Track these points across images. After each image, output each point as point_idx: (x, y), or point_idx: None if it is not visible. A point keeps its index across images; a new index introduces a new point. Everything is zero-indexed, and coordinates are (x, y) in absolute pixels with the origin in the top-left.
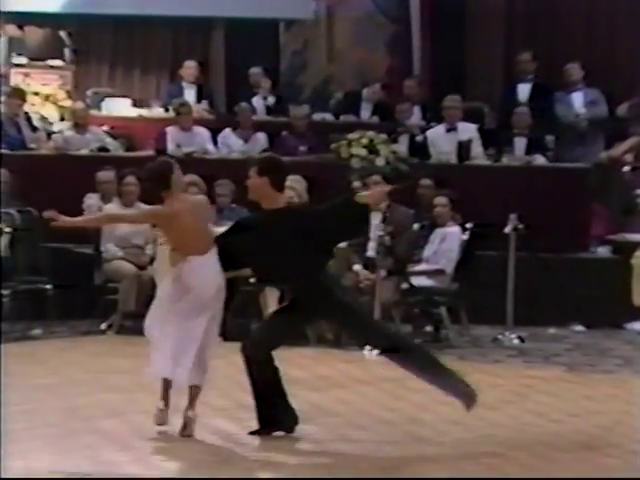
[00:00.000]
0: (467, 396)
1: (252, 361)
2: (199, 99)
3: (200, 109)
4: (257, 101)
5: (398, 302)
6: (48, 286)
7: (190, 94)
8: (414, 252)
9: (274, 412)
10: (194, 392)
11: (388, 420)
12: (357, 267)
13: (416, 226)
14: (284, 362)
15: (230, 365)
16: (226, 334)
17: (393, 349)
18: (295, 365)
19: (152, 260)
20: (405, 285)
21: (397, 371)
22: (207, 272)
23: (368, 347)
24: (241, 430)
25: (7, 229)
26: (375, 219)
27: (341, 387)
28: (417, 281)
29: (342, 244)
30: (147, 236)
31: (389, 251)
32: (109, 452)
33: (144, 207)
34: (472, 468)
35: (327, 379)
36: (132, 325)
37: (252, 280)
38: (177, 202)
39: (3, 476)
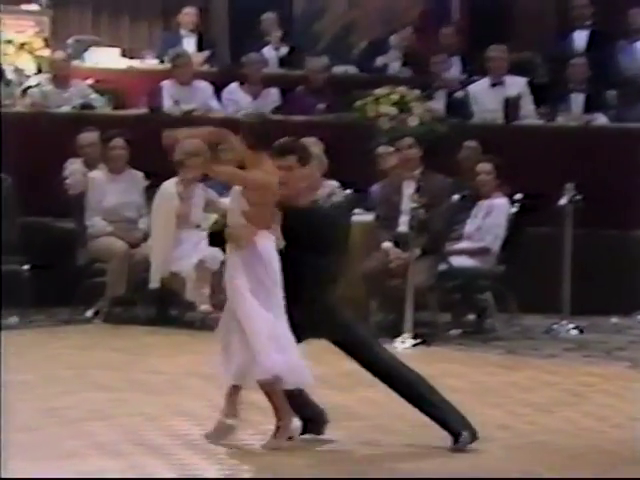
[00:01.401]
0: (469, 429)
1: None
2: (199, 49)
3: (200, 61)
4: (268, 52)
5: (434, 286)
6: (24, 267)
7: (189, 43)
8: (453, 227)
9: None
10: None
11: (423, 424)
12: (386, 245)
13: (456, 197)
14: (306, 357)
15: None
16: None
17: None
18: (317, 360)
19: (146, 236)
20: (443, 266)
21: (435, 367)
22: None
23: (401, 338)
24: (250, 435)
25: None
26: (408, 189)
27: (369, 385)
28: (457, 261)
29: (369, 217)
30: (140, 208)
31: (424, 226)
32: (96, 460)
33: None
34: None
35: (353, 376)
36: (122, 313)
37: None
38: (267, 167)
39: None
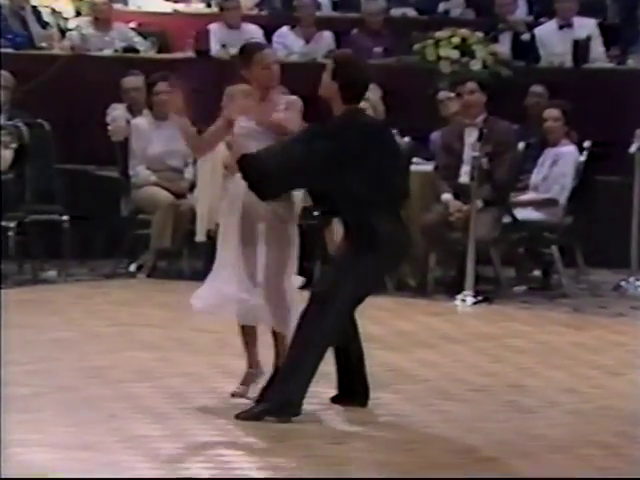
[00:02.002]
0: (281, 406)
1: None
2: None
3: (250, 3)
4: None
5: (498, 239)
6: (63, 217)
7: None
8: (518, 177)
9: (351, 378)
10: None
11: (484, 387)
12: (447, 196)
13: (521, 145)
14: (355, 314)
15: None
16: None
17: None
18: (369, 319)
19: (192, 186)
20: (507, 219)
21: (496, 326)
22: None
23: (462, 295)
24: (311, 405)
25: (12, 145)
26: (470, 136)
27: (426, 346)
28: (522, 214)
29: (428, 167)
30: (185, 156)
31: (487, 176)
32: (138, 424)
33: None
34: (592, 454)
35: (408, 336)
36: (167, 267)
37: (316, 213)
38: None
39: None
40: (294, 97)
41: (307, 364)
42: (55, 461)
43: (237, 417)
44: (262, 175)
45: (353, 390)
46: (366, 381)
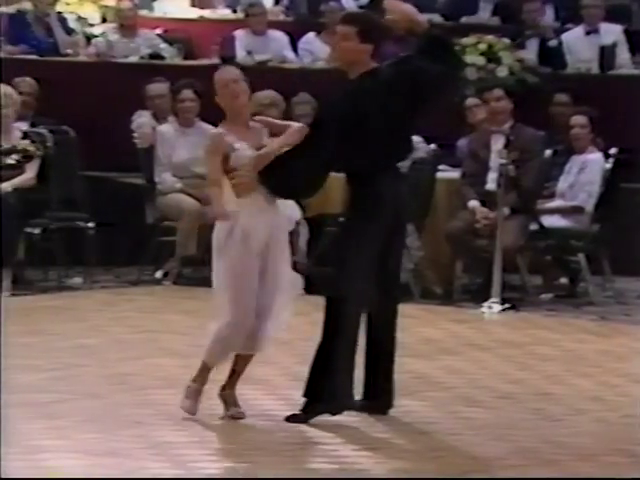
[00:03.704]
0: (329, 401)
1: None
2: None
3: (276, 10)
4: (347, 1)
5: (524, 247)
6: (88, 224)
7: None
8: (545, 185)
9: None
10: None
11: (510, 394)
12: (473, 203)
13: (548, 152)
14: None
15: (313, 325)
16: (307, 286)
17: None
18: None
19: None
20: (534, 226)
21: (522, 334)
22: None
23: (489, 303)
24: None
25: (38, 152)
26: (496, 144)
27: (452, 353)
28: (549, 221)
29: (454, 174)
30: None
31: (513, 183)
32: (163, 431)
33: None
34: (617, 462)
35: (434, 343)
36: (192, 273)
37: (341, 219)
38: None
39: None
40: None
41: (341, 354)
42: (81, 467)
43: (287, 420)
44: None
45: (377, 395)
46: (391, 388)
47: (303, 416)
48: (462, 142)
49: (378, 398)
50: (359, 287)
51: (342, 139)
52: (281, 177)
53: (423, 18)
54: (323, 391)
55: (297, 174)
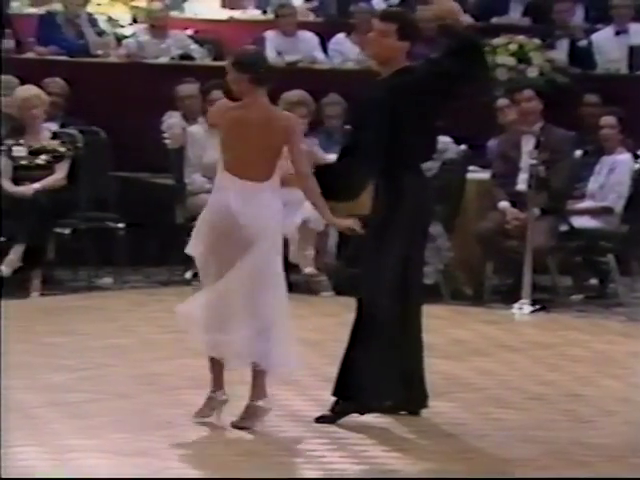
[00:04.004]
0: (360, 400)
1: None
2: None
3: (305, 10)
4: (378, 2)
5: (555, 248)
6: (118, 225)
7: None
8: (575, 185)
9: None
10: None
11: (541, 396)
12: (504, 204)
13: (578, 153)
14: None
15: (343, 325)
16: (338, 287)
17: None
18: (425, 327)
19: None
20: (564, 227)
21: (553, 335)
22: None
23: (519, 304)
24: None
25: (68, 152)
26: (527, 144)
27: (482, 355)
28: (579, 222)
29: (484, 175)
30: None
31: (544, 184)
32: (193, 432)
33: None
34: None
35: (465, 344)
36: None
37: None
38: None
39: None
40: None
41: (370, 354)
42: (110, 467)
43: (317, 421)
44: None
45: (410, 397)
46: (424, 389)
47: (332, 416)
48: (492, 143)
49: (410, 399)
50: (385, 285)
51: (377, 138)
52: (329, 179)
53: (464, 17)
54: (351, 390)
55: (345, 176)
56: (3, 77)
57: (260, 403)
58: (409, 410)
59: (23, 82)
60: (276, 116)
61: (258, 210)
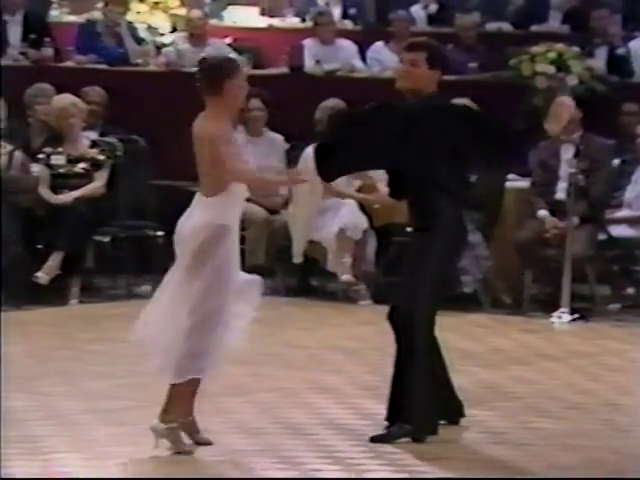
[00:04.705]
0: (420, 426)
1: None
2: (342, 8)
3: (343, 19)
4: (416, 10)
5: (593, 257)
6: (157, 233)
7: (332, 1)
8: (613, 194)
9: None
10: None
11: (579, 405)
12: (543, 213)
13: (616, 162)
14: (450, 331)
15: (381, 334)
16: (376, 296)
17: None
18: (465, 335)
19: (286, 203)
20: (602, 236)
21: (592, 344)
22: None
23: (558, 313)
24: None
25: (107, 161)
26: (566, 153)
27: (522, 363)
28: (616, 230)
29: (522, 183)
30: (279, 173)
31: (583, 193)
32: (232, 439)
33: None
34: None
35: (504, 353)
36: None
37: (409, 229)
38: None
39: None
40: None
41: (421, 383)
42: (149, 474)
43: (372, 440)
44: None
45: (447, 409)
46: (457, 397)
47: (387, 438)
48: (532, 152)
49: (449, 408)
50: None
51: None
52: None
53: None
54: (405, 413)
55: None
56: (39, 85)
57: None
58: (449, 420)
59: (62, 91)
60: (205, 127)
61: (189, 224)
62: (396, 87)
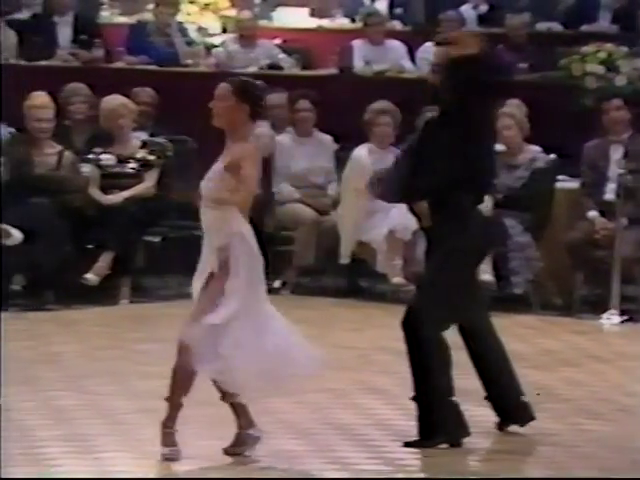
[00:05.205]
0: (450, 433)
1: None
2: (390, 8)
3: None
4: (466, 10)
5: None
6: None
7: (380, 1)
8: None
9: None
10: None
11: (629, 407)
12: (592, 214)
13: None
14: (500, 333)
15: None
16: None
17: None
18: (515, 337)
19: (335, 204)
20: None
21: None
22: None
23: (607, 314)
24: None
25: (157, 161)
26: (615, 154)
27: (572, 365)
28: None
29: (572, 184)
30: (328, 173)
31: (631, 193)
32: (282, 439)
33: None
34: None
35: (554, 354)
36: (310, 283)
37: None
38: None
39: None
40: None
41: (439, 386)
42: (196, 474)
43: (407, 445)
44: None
45: (509, 408)
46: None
47: (422, 444)
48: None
49: (512, 412)
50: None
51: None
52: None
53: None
54: (436, 423)
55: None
56: (72, 85)
57: (250, 431)
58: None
59: (112, 91)
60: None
61: None
62: (428, 83)
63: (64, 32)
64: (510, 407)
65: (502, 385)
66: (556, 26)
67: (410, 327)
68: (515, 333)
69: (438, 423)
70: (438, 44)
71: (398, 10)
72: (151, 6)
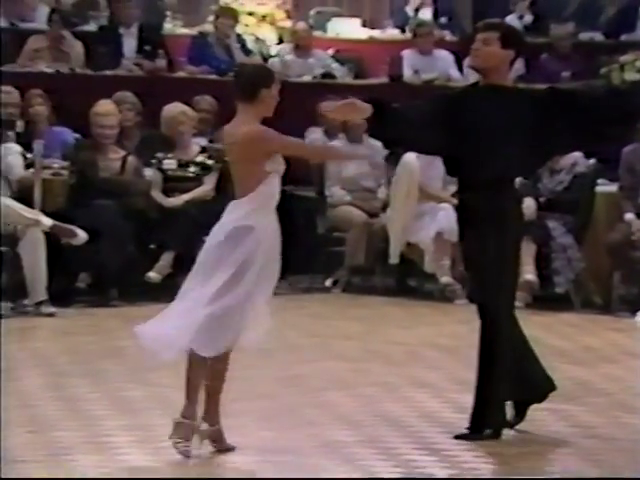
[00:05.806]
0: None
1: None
2: (436, 16)
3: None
4: (512, 19)
5: None
6: None
7: (429, 13)
8: None
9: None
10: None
11: None
12: (630, 216)
13: None
14: (543, 330)
15: (477, 332)
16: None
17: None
18: (557, 334)
19: (385, 206)
20: None
21: None
22: None
23: None
24: None
25: (216, 165)
26: None
27: (611, 361)
28: None
29: (611, 188)
30: (378, 178)
31: None
32: (334, 431)
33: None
34: None
35: (594, 351)
36: (360, 282)
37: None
38: None
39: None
40: None
41: (499, 378)
42: (256, 463)
43: (456, 438)
44: None
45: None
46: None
47: (471, 437)
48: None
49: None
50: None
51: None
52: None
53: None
54: (488, 421)
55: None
56: (120, 93)
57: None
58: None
59: (174, 100)
60: (240, 130)
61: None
62: (468, 66)
63: (129, 43)
64: (537, 381)
65: (527, 362)
66: (598, 36)
67: (488, 319)
68: (557, 331)
69: (489, 414)
70: (482, 30)
71: (443, 19)
72: (211, 18)
